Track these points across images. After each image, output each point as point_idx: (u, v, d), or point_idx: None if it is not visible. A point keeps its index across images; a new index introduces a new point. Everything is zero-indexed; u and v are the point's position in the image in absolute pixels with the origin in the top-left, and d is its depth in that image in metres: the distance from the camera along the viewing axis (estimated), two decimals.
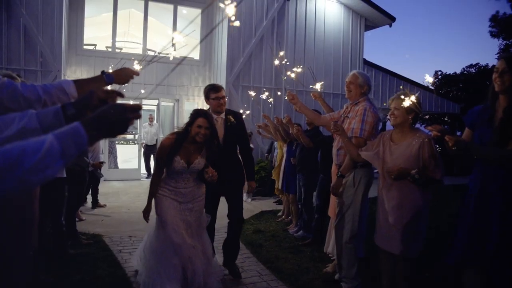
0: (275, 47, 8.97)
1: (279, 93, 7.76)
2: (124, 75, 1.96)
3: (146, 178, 9.68)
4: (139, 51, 9.82)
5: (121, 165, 10.58)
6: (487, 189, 2.26)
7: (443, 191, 8.38)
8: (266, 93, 5.47)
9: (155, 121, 10.05)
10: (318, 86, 4.90)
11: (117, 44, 9.93)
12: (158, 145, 9.37)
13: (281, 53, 4.21)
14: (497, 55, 20.66)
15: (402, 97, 2.60)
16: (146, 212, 3.17)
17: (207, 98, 3.57)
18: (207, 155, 3.13)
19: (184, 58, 6.42)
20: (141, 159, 10.11)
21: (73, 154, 0.92)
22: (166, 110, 10.99)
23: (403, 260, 2.73)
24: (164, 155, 3.04)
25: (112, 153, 10.03)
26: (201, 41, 9.24)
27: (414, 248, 2.71)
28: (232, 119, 3.60)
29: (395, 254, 2.74)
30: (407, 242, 2.66)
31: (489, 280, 2.25)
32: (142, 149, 9.97)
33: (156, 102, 11.98)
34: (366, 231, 3.70)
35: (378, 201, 2.92)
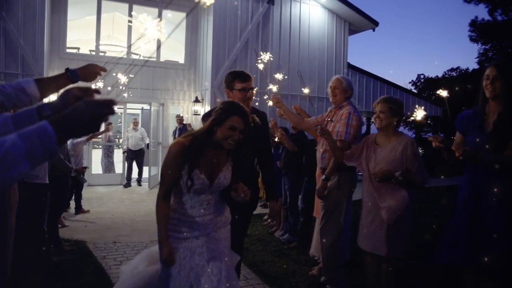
0: (260, 51, 9.01)
1: (265, 97, 7.77)
2: (91, 72, 1.87)
3: (125, 187, 9.16)
4: (123, 54, 9.73)
5: (105, 169, 10.43)
6: (483, 191, 2.31)
7: (427, 192, 8.52)
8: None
9: (140, 126, 9.87)
10: (306, 90, 4.95)
11: (101, 48, 9.83)
12: (143, 151, 9.38)
13: (266, 57, 4.23)
14: (477, 59, 21.22)
15: (416, 111, 2.64)
16: (168, 259, 2.01)
17: (230, 88, 2.76)
18: (234, 168, 2.20)
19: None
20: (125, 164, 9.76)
21: (40, 154, 0.86)
22: (150, 114, 10.88)
23: (387, 260, 2.77)
24: (175, 168, 2.01)
25: (110, 156, 9.88)
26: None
27: (398, 249, 2.76)
28: (257, 119, 2.73)
29: (379, 255, 2.78)
30: (391, 243, 2.70)
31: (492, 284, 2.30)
32: (125, 155, 9.51)
33: (140, 106, 11.92)
34: (351, 233, 3.74)
35: (362, 204, 2.96)
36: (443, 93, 2.41)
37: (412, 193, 2.79)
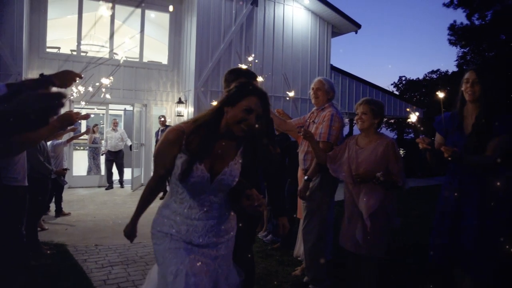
0: (243, 52, 9.03)
1: None
2: (66, 78, 1.84)
3: (106, 189, 9.03)
4: (105, 55, 9.60)
5: (85, 171, 10.27)
6: (465, 189, 2.40)
7: (408, 193, 8.68)
8: None
9: (119, 126, 9.74)
10: (291, 94, 4.98)
11: (82, 48, 9.67)
12: (123, 152, 9.23)
13: (250, 59, 4.25)
14: (456, 62, 21.72)
15: (409, 110, 2.68)
16: (129, 235, 2.06)
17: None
18: (244, 166, 1.81)
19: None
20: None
21: None
22: (133, 115, 10.76)
23: (369, 260, 2.82)
24: (168, 159, 1.71)
25: (96, 158, 9.71)
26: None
27: (379, 248, 2.80)
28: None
29: (361, 255, 2.82)
30: (372, 242, 2.75)
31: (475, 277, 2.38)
32: (104, 156, 9.33)
33: (123, 107, 11.78)
34: (333, 233, 3.78)
35: (344, 204, 3.00)
36: (440, 94, 2.48)
37: (394, 193, 2.85)
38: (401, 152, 13.40)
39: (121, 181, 9.29)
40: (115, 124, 9.29)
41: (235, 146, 1.78)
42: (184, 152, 1.68)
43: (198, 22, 8.82)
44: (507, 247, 2.31)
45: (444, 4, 19.88)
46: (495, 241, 2.32)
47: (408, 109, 2.90)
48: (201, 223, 1.73)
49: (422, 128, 2.55)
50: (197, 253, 1.72)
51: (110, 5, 1.43)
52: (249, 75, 2.51)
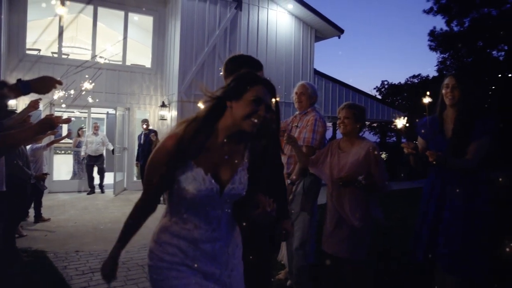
0: (227, 56, 9.03)
1: None
2: (45, 85, 1.78)
3: (88, 194, 8.84)
4: (87, 57, 9.47)
5: (66, 176, 10.07)
6: (446, 192, 2.47)
7: (390, 196, 8.80)
8: None
9: (100, 130, 9.57)
10: (278, 98, 4.97)
11: (64, 50, 9.52)
12: (103, 157, 9.08)
13: None
14: (436, 67, 22.23)
15: (396, 119, 2.70)
16: (107, 274, 1.60)
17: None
18: (251, 170, 1.54)
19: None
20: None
21: None
22: (116, 119, 10.64)
23: (350, 263, 2.84)
24: (164, 172, 1.43)
25: (80, 163, 9.48)
26: None
27: (360, 252, 2.83)
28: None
29: (342, 258, 2.85)
30: (353, 246, 2.78)
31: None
32: (84, 161, 9.12)
33: (105, 110, 11.62)
34: (316, 237, 3.80)
35: (326, 208, 3.02)
36: (426, 99, 2.53)
37: (375, 198, 2.89)
38: (384, 155, 13.62)
39: (101, 186, 9.09)
40: (95, 128, 9.11)
41: (241, 148, 1.52)
42: (187, 163, 1.41)
43: (182, 25, 8.79)
44: (490, 248, 2.39)
45: (424, 11, 20.38)
46: (477, 242, 2.39)
47: (394, 115, 2.94)
48: (209, 246, 1.44)
49: (406, 132, 2.60)
50: (209, 285, 1.43)
51: (65, 2, 1.40)
52: (254, 64, 2.18)
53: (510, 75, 17.78)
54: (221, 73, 2.16)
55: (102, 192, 9.03)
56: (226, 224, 1.50)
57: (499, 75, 18.00)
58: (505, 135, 15.23)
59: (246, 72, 1.50)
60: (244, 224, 1.61)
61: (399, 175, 12.29)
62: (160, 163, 1.42)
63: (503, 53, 19.72)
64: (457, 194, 2.43)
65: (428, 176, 2.67)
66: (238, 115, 1.41)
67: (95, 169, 9.03)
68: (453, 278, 2.43)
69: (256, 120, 1.40)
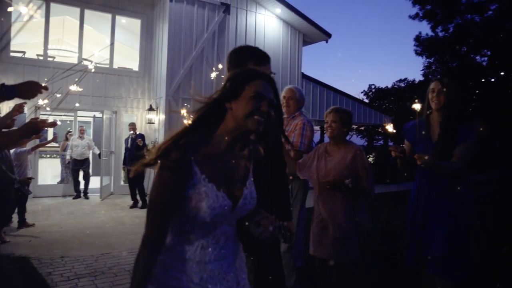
0: (215, 60, 9.05)
1: None
2: (31, 90, 1.74)
3: (74, 199, 8.71)
4: (74, 60, 9.36)
5: (52, 180, 9.92)
6: (433, 194, 2.52)
7: (378, 198, 8.88)
8: None
9: (87, 134, 9.44)
10: None
11: (49, 52, 9.40)
12: (89, 161, 8.95)
13: (220, 66, 4.26)
14: (422, 71, 22.60)
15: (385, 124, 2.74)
16: None
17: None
18: (256, 179, 1.45)
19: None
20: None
21: None
22: (103, 122, 10.53)
23: (338, 267, 2.86)
24: (176, 187, 1.25)
25: (68, 167, 9.29)
26: None
27: (349, 254, 2.85)
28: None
29: (330, 262, 2.86)
30: (340, 249, 2.79)
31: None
32: (70, 165, 8.95)
33: (92, 114, 11.49)
34: (304, 240, 3.81)
35: (314, 211, 3.04)
36: (416, 106, 2.57)
37: (362, 202, 2.91)
38: (371, 158, 13.75)
39: (85, 192, 8.87)
40: (81, 132, 8.96)
41: (245, 156, 1.41)
42: (196, 177, 1.26)
43: (170, 29, 8.77)
44: (477, 250, 2.44)
45: (410, 17, 20.71)
46: (462, 244, 2.43)
47: (385, 120, 3.01)
48: (217, 265, 1.31)
49: (393, 133, 2.64)
50: None
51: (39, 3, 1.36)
52: (260, 55, 1.97)
53: (493, 80, 18.18)
54: (211, 70, 2.08)
55: (86, 198, 8.78)
56: (233, 240, 1.39)
57: (483, 80, 18.39)
58: (489, 138, 15.53)
59: (242, 69, 1.40)
60: (245, 238, 1.46)
61: (386, 178, 12.42)
62: (167, 183, 1.23)
63: (486, 58, 20.17)
64: (443, 197, 2.47)
65: (415, 179, 2.72)
66: (240, 115, 1.28)
67: (81, 174, 8.90)
68: (442, 281, 2.47)
69: (260, 117, 1.29)
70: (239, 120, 1.28)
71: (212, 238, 1.32)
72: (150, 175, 8.72)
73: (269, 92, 1.33)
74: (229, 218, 1.34)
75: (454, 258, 2.43)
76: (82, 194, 8.88)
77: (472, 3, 18.76)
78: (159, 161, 1.24)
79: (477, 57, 20.36)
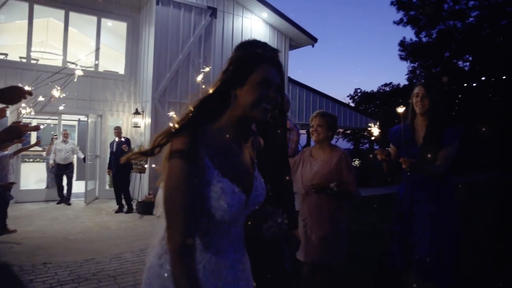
0: (201, 63, 9.03)
1: None
2: (14, 95, 1.70)
3: (58, 204, 8.54)
4: (58, 63, 9.23)
5: (35, 185, 9.73)
6: (418, 197, 2.56)
7: (363, 201, 8.96)
8: None
9: (72, 138, 9.28)
10: None
11: (33, 55, 9.24)
12: (73, 165, 8.79)
13: (207, 69, 4.25)
14: (407, 75, 22.96)
15: (371, 126, 2.74)
16: None
17: None
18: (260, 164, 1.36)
19: None
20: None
21: None
22: (88, 126, 10.41)
23: (324, 270, 2.88)
24: (193, 184, 1.09)
25: (52, 172, 9.09)
26: None
27: (334, 257, 2.87)
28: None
29: (316, 265, 2.88)
30: (326, 251, 2.81)
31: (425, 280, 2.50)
32: (53, 170, 8.78)
33: (77, 117, 11.33)
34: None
35: (299, 215, 3.05)
36: (400, 109, 2.61)
37: (348, 203, 2.95)
38: (357, 162, 13.88)
39: (67, 198, 8.64)
40: (65, 136, 8.80)
41: (249, 146, 1.31)
42: (209, 172, 1.12)
43: (156, 32, 8.72)
44: (461, 251, 2.49)
45: (395, 22, 21.06)
46: (450, 247, 2.47)
47: (370, 124, 3.02)
48: (231, 272, 1.18)
49: (378, 137, 2.68)
50: None
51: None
52: (270, 52, 1.81)
53: (474, 84, 18.59)
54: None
55: (68, 204, 8.53)
56: (243, 240, 1.27)
57: (465, 85, 18.79)
58: (472, 141, 15.84)
59: (249, 53, 1.26)
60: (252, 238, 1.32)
61: (372, 181, 12.55)
62: (184, 181, 1.06)
63: (468, 63, 20.63)
64: (427, 200, 2.52)
65: (400, 183, 2.76)
66: (246, 102, 1.18)
67: (65, 179, 8.75)
68: (429, 284, 2.50)
69: (267, 105, 1.19)
70: (245, 108, 1.18)
71: (228, 241, 1.19)
72: (136, 179, 8.63)
73: (276, 77, 1.23)
74: (243, 214, 1.22)
75: (439, 260, 2.47)
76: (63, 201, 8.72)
77: (454, 10, 19.20)
78: (159, 150, 1.14)
79: (459, 62, 20.83)
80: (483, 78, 18.86)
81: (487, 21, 18.64)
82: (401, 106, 2.62)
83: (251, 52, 1.26)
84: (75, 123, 13.03)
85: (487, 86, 19.48)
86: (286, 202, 1.93)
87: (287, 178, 1.99)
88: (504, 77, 16.73)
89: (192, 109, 1.19)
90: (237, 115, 1.20)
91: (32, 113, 6.54)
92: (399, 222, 2.66)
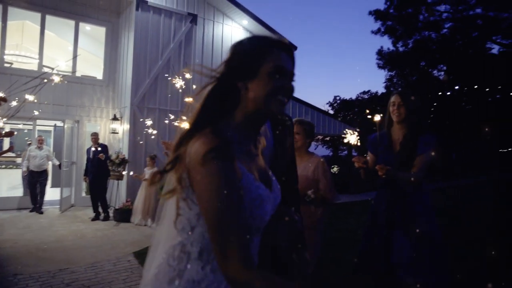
0: (181, 69, 8.99)
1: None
2: None
3: (31, 211, 8.24)
4: (34, 67, 9.02)
5: (6, 192, 9.41)
6: (393, 203, 2.60)
7: (341, 207, 9.06)
8: (172, 116, 5.48)
9: (48, 144, 9.02)
10: None
11: (7, 58, 8.99)
12: (47, 172, 8.50)
13: (187, 76, 4.23)
14: (384, 84, 23.48)
15: (347, 133, 2.78)
16: None
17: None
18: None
19: None
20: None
21: None
22: (64, 131, 10.19)
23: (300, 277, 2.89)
24: (237, 187, 0.93)
25: (25, 178, 8.73)
26: None
27: (310, 264, 2.90)
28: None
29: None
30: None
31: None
32: (26, 177, 8.45)
33: (53, 123, 11.07)
34: None
35: None
36: (377, 117, 2.66)
37: (324, 212, 2.98)
38: (335, 168, 14.04)
39: (40, 206, 8.32)
40: (40, 142, 8.51)
41: (260, 141, 1.18)
42: (245, 176, 0.99)
43: (135, 37, 8.64)
44: (441, 254, 2.54)
45: (373, 32, 21.55)
46: (427, 250, 2.52)
47: (346, 131, 3.06)
48: None
49: (358, 146, 2.73)
50: None
51: None
52: (286, 48, 1.53)
53: (448, 93, 19.17)
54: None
55: (40, 212, 8.21)
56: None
57: (440, 93, 19.36)
58: (447, 148, 16.29)
59: (259, 38, 1.13)
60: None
61: (350, 188, 12.71)
62: (230, 185, 0.90)
63: (442, 73, 21.28)
64: (404, 206, 2.57)
65: (377, 189, 2.81)
66: (259, 95, 1.04)
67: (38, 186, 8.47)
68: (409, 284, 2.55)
69: (283, 97, 1.06)
70: (259, 101, 1.04)
71: (254, 248, 1.03)
72: (113, 186, 8.48)
73: (290, 64, 1.09)
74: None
75: (421, 263, 2.51)
76: (45, 206, 8.46)
77: (429, 21, 19.82)
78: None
79: (435, 72, 21.48)
80: (456, 87, 19.49)
81: (460, 33, 19.32)
82: (377, 114, 2.68)
83: (260, 38, 1.12)
84: (51, 128, 12.73)
85: (461, 95, 20.12)
86: (292, 203, 1.68)
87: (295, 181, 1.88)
88: (476, 87, 17.34)
89: (202, 105, 1.05)
90: (250, 110, 1.06)
91: (5, 119, 6.37)
92: (376, 228, 2.71)
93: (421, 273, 2.52)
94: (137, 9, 8.62)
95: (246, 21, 10.26)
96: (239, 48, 1.10)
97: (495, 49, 19.75)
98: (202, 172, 0.90)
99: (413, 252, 2.51)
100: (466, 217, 7.36)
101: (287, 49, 1.10)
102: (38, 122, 9.86)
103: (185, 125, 1.03)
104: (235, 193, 0.89)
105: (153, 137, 7.22)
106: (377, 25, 21.18)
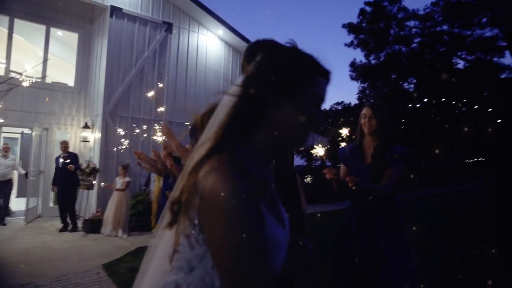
0: (155, 78, 8.93)
1: (156, 126, 7.60)
2: None
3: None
4: (0, 72, 8.72)
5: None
6: (364, 214, 2.64)
7: (312, 218, 9.15)
8: (144, 126, 5.43)
9: (14, 152, 8.64)
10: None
11: None
12: (12, 182, 8.15)
13: (160, 85, 4.20)
14: (357, 95, 24.04)
15: (317, 145, 2.83)
16: None
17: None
18: None
19: None
20: None
21: None
22: (32, 139, 9.86)
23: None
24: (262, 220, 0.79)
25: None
26: None
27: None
28: None
29: None
30: None
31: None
32: None
33: (20, 130, 10.71)
34: None
35: None
36: (344, 130, 2.72)
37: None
38: (309, 179, 14.19)
39: (3, 217, 7.92)
40: (5, 150, 8.16)
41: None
42: (265, 215, 0.83)
43: (109, 44, 8.53)
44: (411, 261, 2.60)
45: (346, 44, 22.12)
46: (399, 258, 2.58)
47: (317, 142, 3.14)
48: None
49: (329, 157, 2.78)
50: None
51: None
52: None
53: (418, 105, 19.86)
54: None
55: (3, 224, 7.78)
56: None
57: (410, 105, 20.02)
58: (417, 159, 16.80)
59: (304, 54, 0.95)
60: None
61: (322, 198, 12.85)
62: (253, 218, 0.76)
63: (412, 85, 22.04)
64: (375, 217, 2.63)
65: (350, 200, 2.87)
66: (290, 121, 0.89)
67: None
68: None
69: (313, 130, 0.94)
70: (286, 127, 0.90)
71: None
72: (83, 196, 8.26)
73: (325, 94, 0.96)
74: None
75: (392, 263, 2.56)
76: (11, 217, 8.10)
77: (399, 35, 20.54)
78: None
79: (405, 84, 22.21)
80: (425, 100, 20.21)
81: (428, 47, 20.11)
82: (345, 127, 2.75)
83: (309, 57, 0.95)
84: (18, 136, 12.29)
85: (430, 107, 20.87)
86: (294, 210, 1.56)
87: (295, 179, 1.83)
88: (443, 100, 18.04)
89: (226, 122, 0.87)
90: (273, 135, 0.90)
91: None
92: (349, 239, 2.75)
93: (393, 271, 2.58)
94: (111, 16, 8.53)
95: (221, 31, 10.33)
96: (282, 57, 0.92)
97: (461, 64, 20.66)
98: (221, 214, 0.74)
99: (384, 255, 2.57)
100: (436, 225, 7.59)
101: (328, 77, 0.97)
102: (4, 129, 9.52)
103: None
104: (261, 242, 0.76)
105: (125, 146, 7.11)
106: (350, 38, 21.74)
